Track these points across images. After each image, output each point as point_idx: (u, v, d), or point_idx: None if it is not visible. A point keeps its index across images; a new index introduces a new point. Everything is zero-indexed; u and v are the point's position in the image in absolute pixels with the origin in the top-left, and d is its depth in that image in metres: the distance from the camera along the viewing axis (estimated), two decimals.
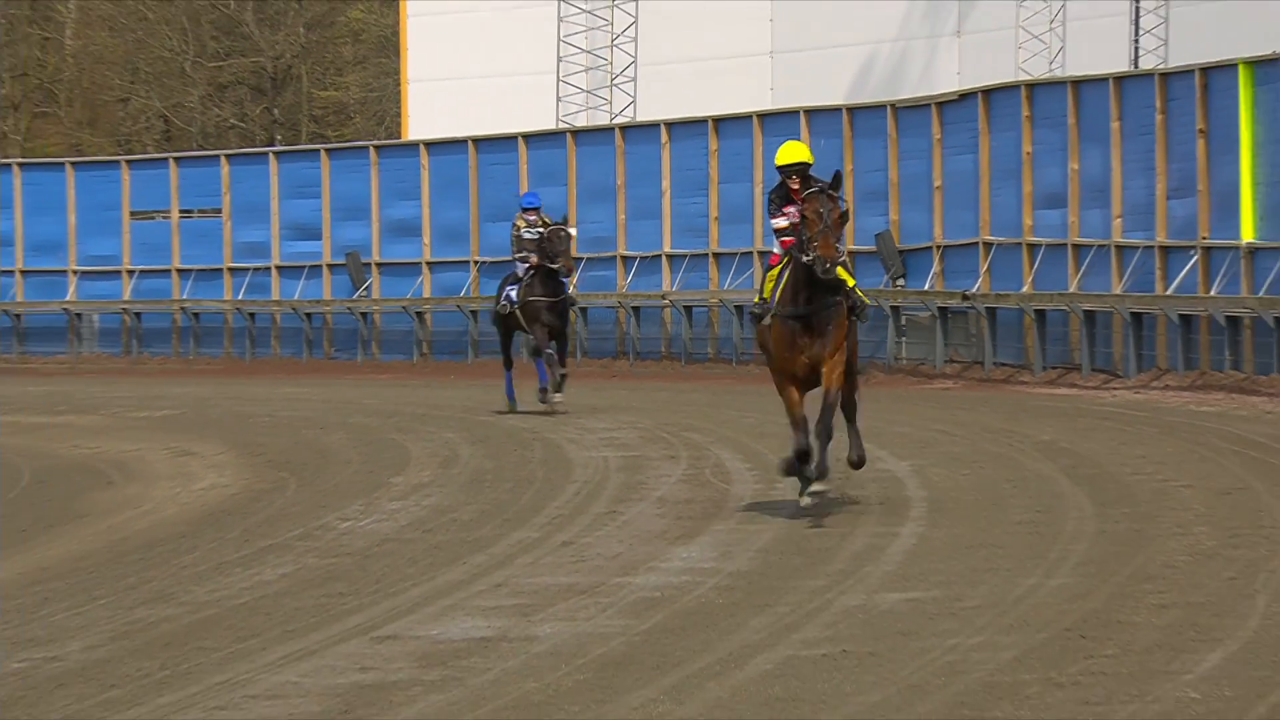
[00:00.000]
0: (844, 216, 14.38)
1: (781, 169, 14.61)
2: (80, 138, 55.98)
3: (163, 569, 13.25)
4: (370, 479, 17.91)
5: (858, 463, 15.03)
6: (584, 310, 35.89)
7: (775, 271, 14.65)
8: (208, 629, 11.08)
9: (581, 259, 34.49)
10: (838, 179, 14.41)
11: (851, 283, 14.59)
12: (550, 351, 24.07)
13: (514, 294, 24.50)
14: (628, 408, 24.71)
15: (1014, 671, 9.33)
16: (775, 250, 14.83)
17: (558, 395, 23.91)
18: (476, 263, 37.58)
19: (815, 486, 14.51)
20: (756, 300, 14.82)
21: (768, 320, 14.55)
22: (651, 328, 35.78)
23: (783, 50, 39.73)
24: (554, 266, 24.23)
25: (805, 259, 14.17)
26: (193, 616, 11.49)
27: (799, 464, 14.51)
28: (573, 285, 25.54)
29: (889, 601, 11.22)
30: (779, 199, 14.61)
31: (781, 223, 14.54)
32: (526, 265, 24.44)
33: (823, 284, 14.23)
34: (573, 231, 25.05)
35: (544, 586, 11.99)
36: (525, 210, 24.74)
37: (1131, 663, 9.46)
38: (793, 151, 14.67)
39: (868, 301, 14.91)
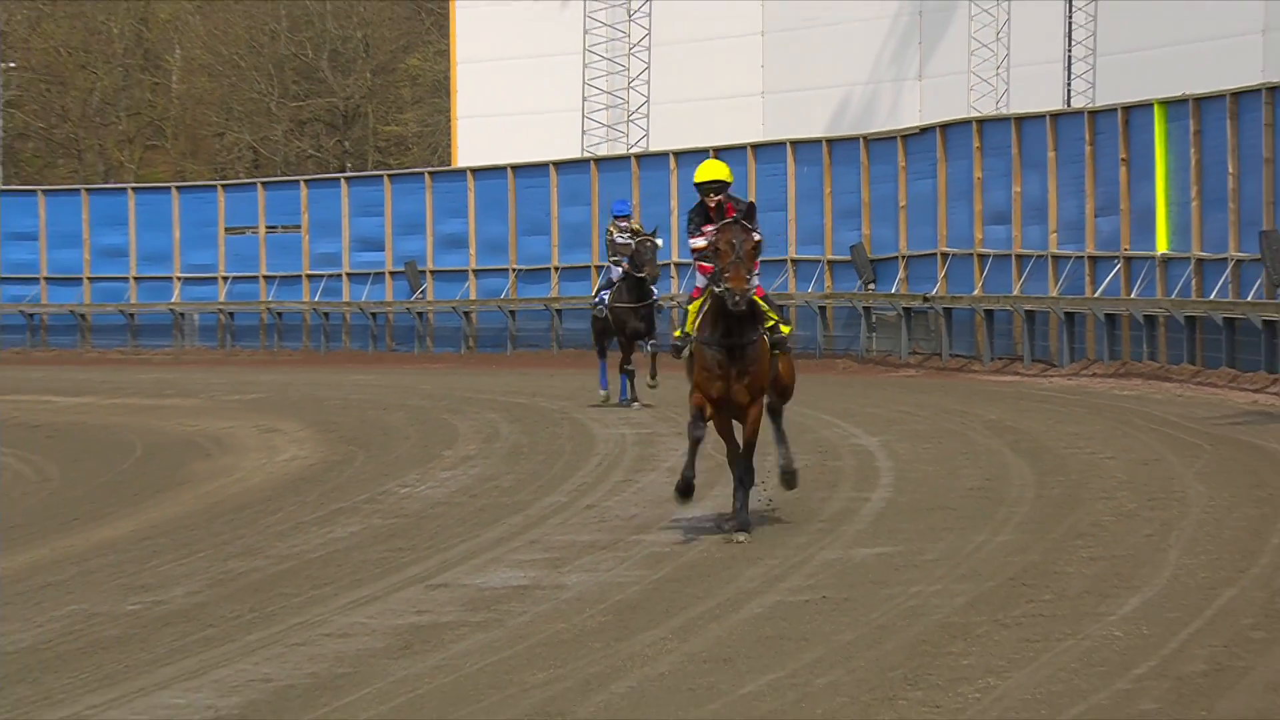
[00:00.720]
0: (757, 247, 11.93)
1: (699, 186, 12.34)
2: (184, 166, 56.00)
3: (251, 527, 13.24)
4: (425, 452, 17.90)
5: (786, 468, 12.55)
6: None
7: (696, 305, 12.22)
8: (289, 578, 11.07)
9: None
10: (752, 210, 12.09)
11: (773, 318, 12.19)
12: (632, 369, 22.59)
13: (606, 298, 22.80)
14: (642, 392, 24.66)
15: (966, 614, 9.31)
16: (698, 283, 12.33)
17: (634, 400, 22.23)
18: (515, 270, 37.57)
19: (740, 537, 11.77)
20: (677, 334, 12.34)
21: (687, 352, 12.14)
22: (662, 324, 35.63)
23: (772, 91, 39.71)
24: (640, 275, 22.48)
25: (717, 290, 11.83)
26: (276, 568, 11.48)
27: (682, 493, 12.15)
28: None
29: (861, 555, 11.19)
30: (698, 218, 12.34)
31: (700, 243, 12.16)
32: (620, 270, 22.76)
33: (740, 317, 11.84)
34: (659, 242, 23.27)
35: (571, 543, 11.97)
36: (617, 217, 22.89)
37: (1065, 606, 9.43)
38: (710, 169, 12.39)
39: (788, 330, 12.43)
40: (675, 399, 23.80)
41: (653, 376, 22.28)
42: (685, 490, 12.10)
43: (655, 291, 23.18)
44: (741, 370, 11.90)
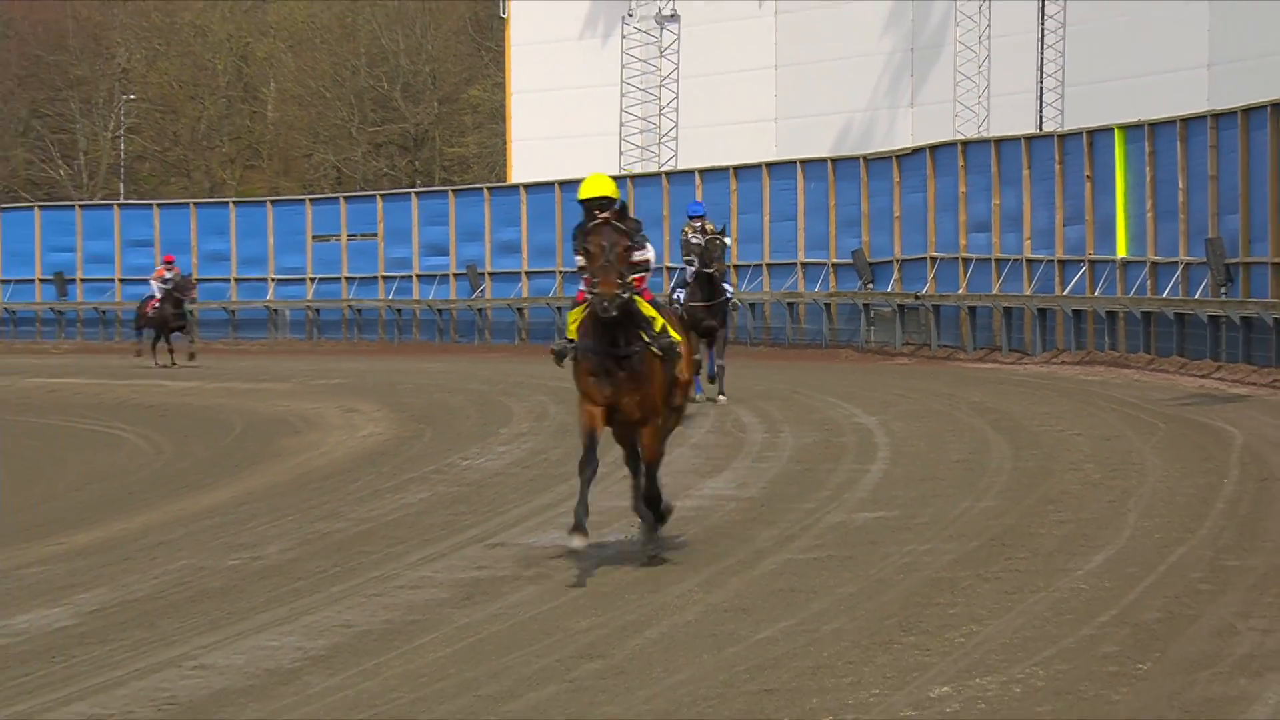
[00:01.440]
0: (630, 251, 9.57)
1: (583, 204, 9.72)
2: (277, 183, 56.08)
3: (334, 494, 13.25)
4: (484, 429, 17.89)
5: (647, 508, 9.95)
6: None
7: (578, 310, 9.83)
8: (367, 538, 11.08)
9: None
10: (623, 211, 9.72)
11: (661, 322, 9.74)
12: (723, 362, 20.21)
13: (682, 297, 20.11)
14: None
15: (953, 570, 9.27)
16: (581, 287, 9.86)
17: (720, 394, 19.86)
18: (561, 272, 37.54)
19: (644, 542, 9.89)
20: (557, 341, 10.14)
21: (569, 359, 9.78)
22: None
23: (784, 116, 39.57)
24: (709, 271, 20.01)
25: (589, 296, 9.57)
26: (356, 529, 11.48)
27: (575, 532, 9.43)
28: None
29: (862, 519, 11.15)
30: (583, 235, 9.70)
31: (583, 260, 9.70)
32: (693, 269, 20.22)
33: (617, 323, 9.53)
34: (728, 241, 20.62)
35: (609, 508, 11.94)
36: (692, 218, 20.35)
37: (1038, 563, 9.38)
38: (594, 185, 9.76)
39: (677, 338, 9.87)
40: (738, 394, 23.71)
41: (719, 386, 19.74)
42: (578, 529, 9.37)
43: (729, 289, 20.53)
44: (630, 384, 9.57)
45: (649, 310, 9.77)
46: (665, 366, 9.78)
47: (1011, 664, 7.19)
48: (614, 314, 9.49)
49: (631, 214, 9.96)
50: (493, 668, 7.44)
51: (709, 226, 20.27)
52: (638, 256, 9.76)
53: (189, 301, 32.04)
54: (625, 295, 9.55)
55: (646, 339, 9.67)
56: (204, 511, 12.61)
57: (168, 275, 31.69)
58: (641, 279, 9.85)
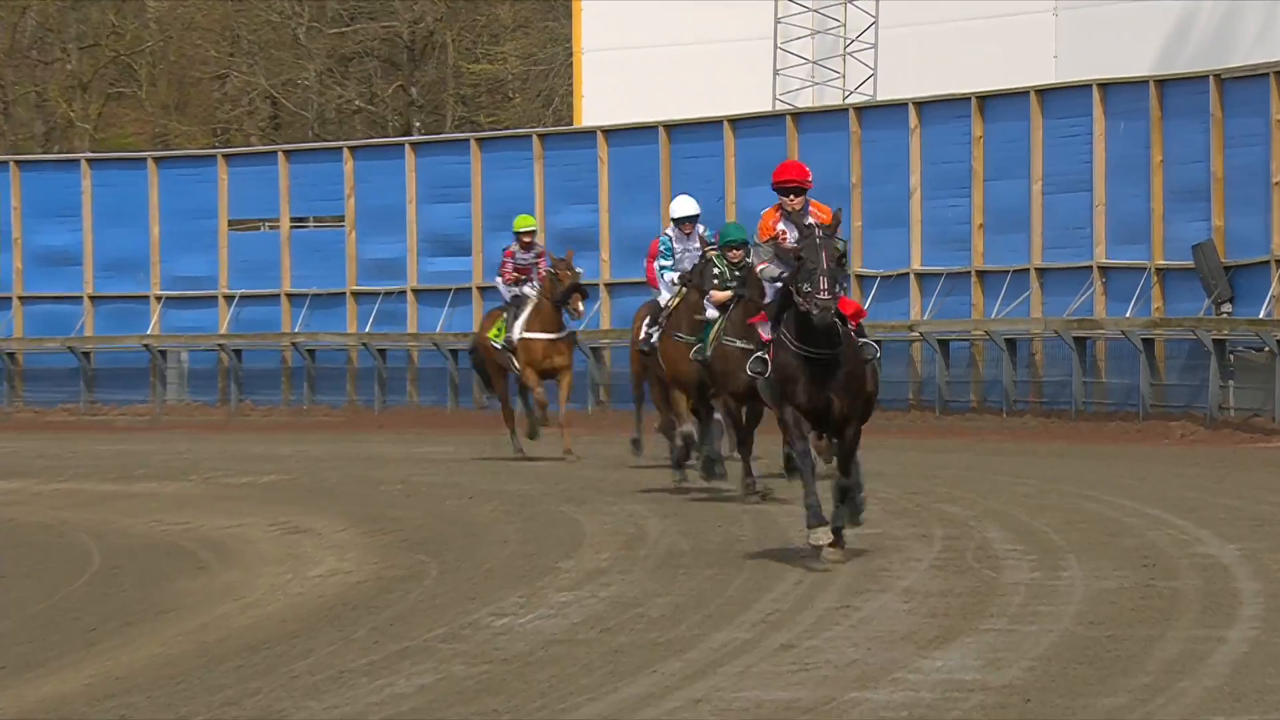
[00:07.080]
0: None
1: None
2: (166, 125, 56.64)
3: (269, 679, 13.33)
4: (532, 563, 17.94)
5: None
6: None
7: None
8: None
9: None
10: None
11: None
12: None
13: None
14: (864, 472, 24.59)
15: None
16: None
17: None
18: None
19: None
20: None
21: None
22: (895, 367, 35.48)
23: (1071, 6, 39.41)
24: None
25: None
26: None
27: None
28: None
29: None
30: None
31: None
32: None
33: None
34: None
35: (757, 702, 11.96)
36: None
37: None
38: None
39: None
40: (893, 469, 23.64)
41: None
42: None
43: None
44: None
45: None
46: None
47: None
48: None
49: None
50: None
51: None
52: None
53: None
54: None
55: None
56: (36, 709, 12.73)
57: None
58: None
